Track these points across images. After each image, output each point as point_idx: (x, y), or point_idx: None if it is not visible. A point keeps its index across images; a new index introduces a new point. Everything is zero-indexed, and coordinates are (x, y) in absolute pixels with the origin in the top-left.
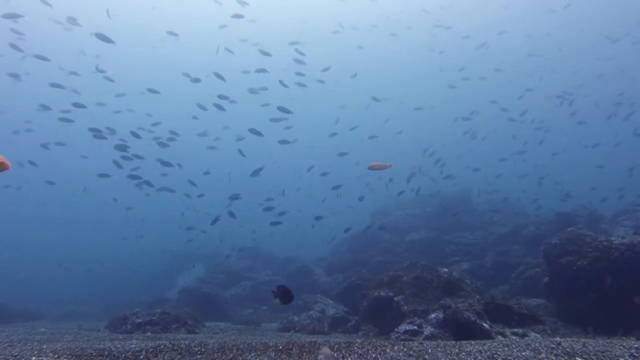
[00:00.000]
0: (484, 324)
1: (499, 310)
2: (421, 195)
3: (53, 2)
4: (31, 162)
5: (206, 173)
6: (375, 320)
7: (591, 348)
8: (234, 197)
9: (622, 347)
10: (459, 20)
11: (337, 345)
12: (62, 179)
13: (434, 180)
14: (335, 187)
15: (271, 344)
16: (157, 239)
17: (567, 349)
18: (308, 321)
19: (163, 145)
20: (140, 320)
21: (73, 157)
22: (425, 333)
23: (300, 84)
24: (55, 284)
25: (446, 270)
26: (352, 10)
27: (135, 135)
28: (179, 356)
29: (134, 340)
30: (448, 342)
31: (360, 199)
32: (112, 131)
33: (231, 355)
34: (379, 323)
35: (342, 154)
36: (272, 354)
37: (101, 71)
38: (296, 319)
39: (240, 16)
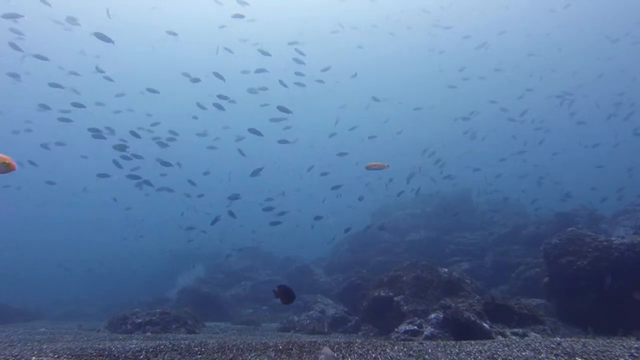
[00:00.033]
0: (484, 324)
1: (499, 310)
2: (421, 195)
3: (53, 2)
4: (31, 162)
5: (206, 173)
6: (375, 320)
7: (591, 348)
8: (234, 197)
9: (622, 347)
10: (459, 20)
11: (337, 345)
12: (62, 179)
13: (434, 180)
14: (335, 187)
15: (271, 344)
16: (157, 239)
17: (567, 349)
18: (308, 321)
19: (163, 145)
20: (140, 320)
21: (73, 157)
22: (425, 333)
23: (299, 84)
24: (55, 284)
25: (446, 270)
26: (352, 10)
27: (134, 135)
28: (179, 356)
29: (134, 340)
30: (448, 342)
31: (360, 199)
32: (112, 131)
33: (231, 355)
34: (379, 323)
35: (341, 154)
36: (272, 354)
37: (101, 71)
38: (296, 319)
39: (240, 16)
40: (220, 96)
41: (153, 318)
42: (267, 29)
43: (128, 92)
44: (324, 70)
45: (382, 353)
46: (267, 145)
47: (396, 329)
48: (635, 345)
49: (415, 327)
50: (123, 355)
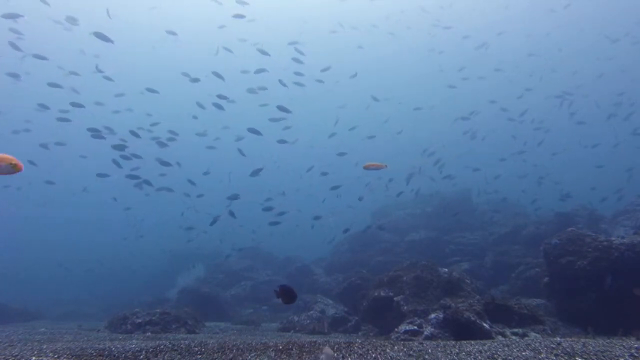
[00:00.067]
0: (484, 324)
1: (499, 310)
2: (421, 196)
3: (52, 2)
4: (31, 162)
5: (206, 173)
6: (375, 320)
7: (591, 348)
8: (233, 197)
9: (622, 347)
10: (459, 20)
11: (337, 345)
12: (62, 179)
13: (434, 179)
14: (334, 188)
15: (271, 344)
16: (157, 239)
17: (567, 349)
18: (308, 321)
19: (162, 145)
20: (140, 320)
21: (73, 157)
22: (425, 333)
23: (298, 84)
24: (55, 284)
25: (446, 270)
26: (352, 10)
27: (134, 134)
28: (179, 356)
29: (134, 340)
30: (448, 342)
31: (360, 199)
32: (111, 131)
33: (231, 355)
34: (379, 323)
35: (341, 154)
36: (272, 354)
37: (100, 71)
38: (296, 319)
39: (241, 16)
40: (219, 96)
41: (153, 318)
42: (267, 29)
43: (128, 92)
44: (324, 70)
45: (382, 353)
46: (267, 145)
47: (396, 329)
48: (635, 345)
49: (415, 327)
50: (123, 355)
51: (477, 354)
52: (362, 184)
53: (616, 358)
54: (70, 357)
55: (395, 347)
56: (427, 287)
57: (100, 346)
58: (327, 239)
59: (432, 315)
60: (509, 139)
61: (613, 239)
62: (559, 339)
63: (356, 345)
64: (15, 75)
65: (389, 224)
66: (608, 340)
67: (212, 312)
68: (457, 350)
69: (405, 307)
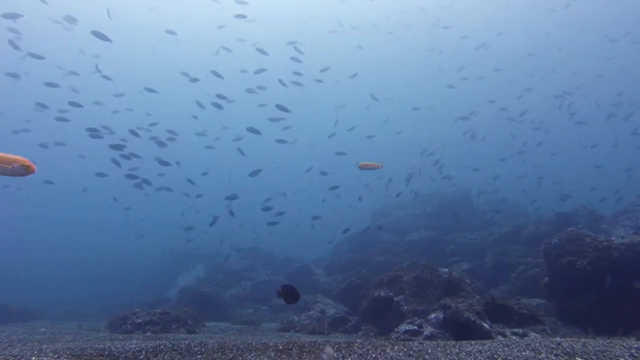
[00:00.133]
0: (484, 324)
1: (499, 310)
2: (421, 196)
3: (52, 2)
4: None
5: (205, 174)
6: (375, 320)
7: (591, 348)
8: (232, 198)
9: (622, 347)
10: (459, 20)
11: (337, 345)
12: (61, 178)
13: (434, 179)
14: (333, 188)
15: (271, 344)
16: (157, 239)
17: (567, 349)
18: (308, 321)
19: (161, 144)
20: (140, 320)
21: (73, 157)
22: (425, 333)
23: (297, 83)
24: (55, 284)
25: (446, 270)
26: (351, 10)
27: (134, 133)
28: (179, 356)
29: (134, 340)
30: (448, 342)
31: (360, 199)
32: (109, 130)
33: (231, 355)
34: (379, 323)
35: (339, 154)
36: (272, 354)
37: (100, 71)
38: (296, 319)
39: (242, 16)
40: (219, 96)
41: (153, 318)
42: (267, 29)
43: (128, 92)
44: (323, 70)
45: (382, 353)
46: (267, 145)
47: (396, 329)
48: (635, 345)
49: (415, 327)
50: (123, 355)
51: (477, 354)
52: (361, 184)
53: (616, 358)
54: (70, 357)
55: (395, 347)
56: (427, 287)
57: (100, 346)
58: (327, 239)
59: (432, 315)
60: (509, 139)
61: (613, 239)
62: (559, 339)
63: (356, 345)
64: (15, 75)
65: (389, 224)
66: (608, 340)
67: (212, 312)
68: (457, 350)
69: (405, 307)
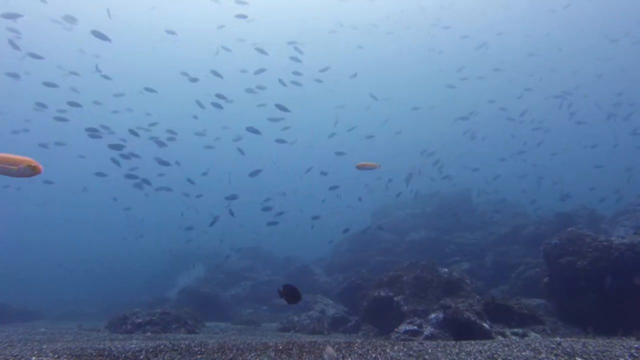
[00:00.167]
0: (484, 324)
1: (499, 310)
2: (421, 196)
3: (52, 2)
4: None
5: (204, 174)
6: (375, 320)
7: (591, 348)
8: (231, 198)
9: (622, 347)
10: (459, 20)
11: (337, 345)
12: (61, 178)
13: (434, 179)
14: (333, 188)
15: (271, 344)
16: (157, 239)
17: (567, 349)
18: (308, 321)
19: (161, 144)
20: (140, 320)
21: (73, 156)
22: (425, 333)
23: (296, 83)
24: (55, 284)
25: (446, 270)
26: (351, 10)
27: (133, 133)
28: (179, 356)
29: (134, 340)
30: (448, 342)
31: (360, 199)
32: (109, 130)
33: (231, 355)
34: (379, 323)
35: (339, 154)
36: (272, 354)
37: (100, 71)
38: (296, 319)
39: (243, 16)
40: (218, 95)
41: (153, 318)
42: (267, 29)
43: (128, 92)
44: (323, 70)
45: (382, 353)
46: (267, 145)
47: (396, 329)
48: (635, 345)
49: (415, 327)
50: (123, 355)
51: (477, 354)
52: (361, 184)
53: (616, 358)
54: (70, 357)
55: (395, 347)
56: (427, 287)
57: (100, 346)
58: (327, 239)
59: (432, 315)
60: (509, 139)
61: (613, 239)
62: (559, 339)
63: (356, 345)
64: (15, 75)
65: (389, 224)
66: (608, 340)
67: (212, 312)
68: (457, 350)
69: (405, 307)
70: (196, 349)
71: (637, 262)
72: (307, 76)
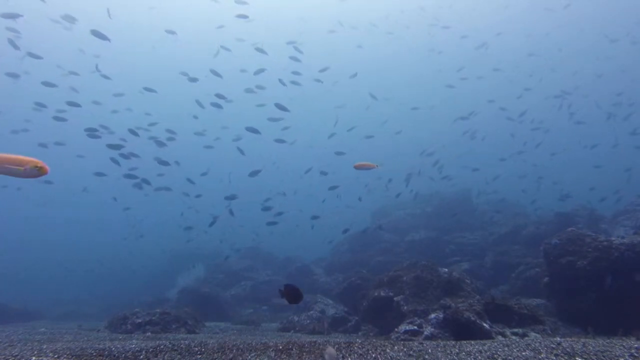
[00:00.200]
0: (484, 324)
1: (499, 310)
2: (421, 196)
3: (52, 2)
4: None
5: (204, 174)
6: (375, 320)
7: (591, 348)
8: (231, 198)
9: (622, 347)
10: (459, 20)
11: (337, 345)
12: (61, 178)
13: (433, 179)
14: (332, 188)
15: (271, 344)
16: (156, 239)
17: (567, 349)
18: (308, 321)
19: (161, 144)
20: (140, 320)
21: (72, 156)
22: (425, 333)
23: (295, 83)
24: (55, 284)
25: (446, 270)
26: (351, 9)
27: (133, 133)
28: (179, 356)
29: (134, 340)
30: (448, 342)
31: (360, 199)
32: (108, 130)
33: (231, 355)
34: (379, 323)
35: (339, 153)
36: (272, 354)
37: (99, 70)
38: (296, 319)
39: (244, 16)
40: (218, 95)
41: (153, 318)
42: (267, 29)
43: (127, 92)
44: (322, 70)
45: (382, 353)
46: (267, 145)
47: (396, 329)
48: (635, 345)
49: (415, 327)
50: (123, 355)
51: (477, 354)
52: (361, 184)
53: (616, 358)
54: (70, 357)
55: (395, 347)
56: (427, 287)
57: (100, 346)
58: (327, 239)
59: (432, 315)
60: (509, 139)
61: (613, 239)
62: (559, 339)
63: (356, 345)
64: (14, 75)
65: (388, 224)
66: (608, 340)
67: (212, 312)
68: (457, 350)
69: (405, 307)
70: (196, 349)
71: (637, 262)
72: (306, 76)
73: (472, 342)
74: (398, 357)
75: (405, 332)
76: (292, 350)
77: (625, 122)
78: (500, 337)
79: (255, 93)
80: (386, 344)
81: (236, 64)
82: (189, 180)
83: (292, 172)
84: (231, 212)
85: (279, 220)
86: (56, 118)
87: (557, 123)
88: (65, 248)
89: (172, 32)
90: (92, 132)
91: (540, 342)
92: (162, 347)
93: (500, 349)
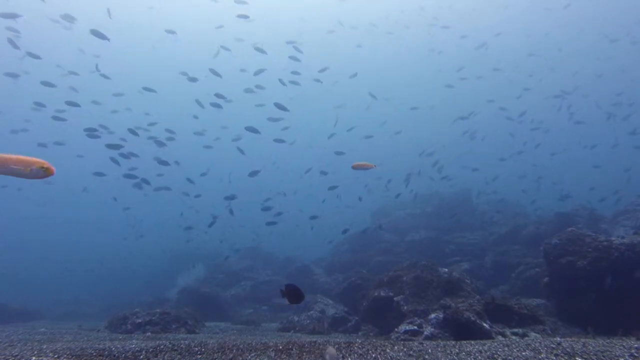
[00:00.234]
0: (484, 324)
1: (499, 310)
2: (421, 196)
3: (51, 1)
4: None
5: (204, 174)
6: (375, 320)
7: (591, 348)
8: (231, 198)
9: (622, 347)
10: (459, 20)
11: (337, 345)
12: (61, 178)
13: (433, 179)
14: (332, 188)
15: (271, 344)
16: (156, 239)
17: (567, 349)
18: (308, 321)
19: (160, 144)
20: (140, 320)
21: (72, 156)
22: (425, 333)
23: (295, 83)
24: (55, 284)
25: (446, 270)
26: (351, 9)
27: (132, 132)
28: (179, 356)
29: (134, 340)
30: (448, 342)
31: (360, 199)
32: (108, 130)
33: (231, 355)
34: (379, 323)
35: (338, 153)
36: (272, 354)
37: (99, 70)
38: (296, 319)
39: (244, 17)
40: (217, 95)
41: (153, 318)
42: (266, 29)
43: (127, 92)
44: (322, 70)
45: (382, 353)
46: (266, 145)
47: (396, 329)
48: (635, 345)
49: (415, 327)
50: (123, 355)
51: (477, 354)
52: (361, 184)
53: (616, 358)
54: (70, 357)
55: (395, 347)
56: (427, 287)
57: (100, 346)
58: (327, 239)
59: (432, 315)
60: (509, 139)
61: (613, 239)
62: (559, 339)
63: (356, 345)
64: (14, 75)
65: (388, 224)
66: (608, 340)
67: (212, 312)
68: (457, 350)
69: (405, 307)
70: (196, 349)
71: (637, 262)
72: (306, 76)
73: (472, 342)
74: (398, 357)
75: (405, 332)
76: (292, 350)
77: (625, 122)
78: (500, 337)
79: (255, 93)
80: (386, 344)
81: (236, 63)
82: (188, 180)
83: (292, 172)
84: (231, 212)
85: (279, 220)
86: (56, 118)
87: (556, 123)
88: (65, 248)
89: (171, 32)
90: (91, 132)
91: (540, 342)
92: (162, 347)
93: (500, 349)
